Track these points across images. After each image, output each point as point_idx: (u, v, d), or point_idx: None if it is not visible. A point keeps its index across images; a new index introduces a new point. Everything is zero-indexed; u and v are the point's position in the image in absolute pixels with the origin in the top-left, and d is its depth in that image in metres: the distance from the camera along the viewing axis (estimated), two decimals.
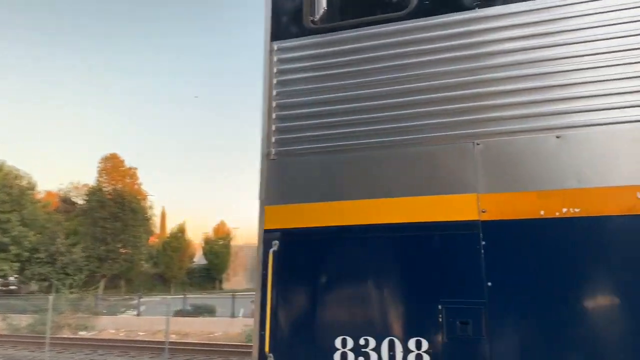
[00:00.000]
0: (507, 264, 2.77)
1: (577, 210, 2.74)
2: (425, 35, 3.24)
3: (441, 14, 3.25)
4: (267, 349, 3.01)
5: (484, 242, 2.82)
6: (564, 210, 2.76)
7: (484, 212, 2.87)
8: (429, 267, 2.89)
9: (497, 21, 3.13)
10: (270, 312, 3.06)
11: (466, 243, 2.85)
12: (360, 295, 2.98)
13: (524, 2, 3.08)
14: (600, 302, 2.61)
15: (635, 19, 2.85)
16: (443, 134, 3.07)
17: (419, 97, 3.17)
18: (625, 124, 2.77)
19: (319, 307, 3.04)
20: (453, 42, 3.17)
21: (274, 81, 3.56)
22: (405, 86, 3.21)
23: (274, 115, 3.50)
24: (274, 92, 3.55)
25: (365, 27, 3.40)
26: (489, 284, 2.77)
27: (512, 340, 2.67)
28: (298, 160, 3.36)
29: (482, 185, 2.92)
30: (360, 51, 3.37)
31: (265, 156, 3.45)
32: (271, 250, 3.17)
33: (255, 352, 3.06)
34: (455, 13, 3.22)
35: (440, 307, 2.81)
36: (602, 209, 2.70)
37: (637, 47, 2.81)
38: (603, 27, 2.89)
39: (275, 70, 3.58)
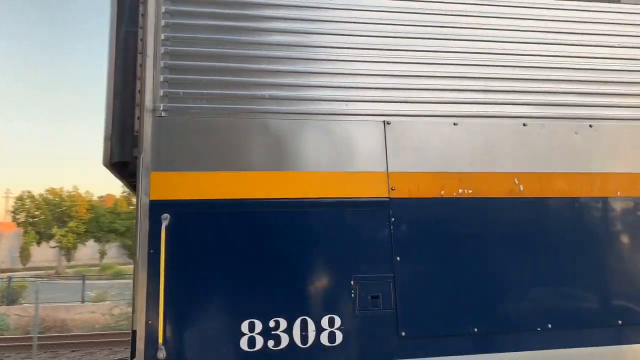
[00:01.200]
0: (413, 240, 2.92)
1: (470, 191, 3.04)
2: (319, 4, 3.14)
3: None
4: (160, 340, 2.54)
5: (393, 219, 2.92)
6: (460, 191, 3.04)
7: (393, 189, 2.96)
8: (342, 244, 2.85)
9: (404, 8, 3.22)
10: (164, 297, 2.58)
11: (377, 219, 2.90)
12: (269, 275, 2.75)
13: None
14: (489, 270, 2.97)
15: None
16: (356, 109, 3.04)
17: (327, 67, 3.07)
18: (507, 119, 3.19)
19: (223, 289, 2.70)
20: (358, 18, 3.15)
21: (162, 22, 2.99)
22: (311, 54, 3.06)
23: (162, 64, 2.93)
24: (162, 36, 2.97)
25: None
26: (398, 258, 2.87)
27: (419, 310, 2.84)
28: (195, 120, 2.89)
29: (392, 163, 3.00)
30: (260, 5, 3.08)
31: (151, 112, 2.88)
32: (163, 226, 2.67)
33: (141, 345, 2.55)
34: None
35: (352, 282, 2.80)
36: (489, 191, 3.07)
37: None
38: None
39: (163, 9, 3.00)
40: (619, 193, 3.20)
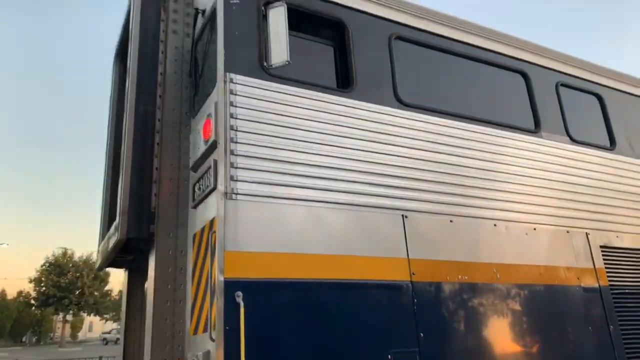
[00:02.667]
0: (434, 318, 3.51)
1: (466, 277, 3.78)
2: (363, 114, 3.83)
3: (373, 102, 3.92)
4: None
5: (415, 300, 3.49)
6: (459, 277, 3.76)
7: (414, 274, 3.56)
8: (375, 321, 3.30)
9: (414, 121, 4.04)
10: None
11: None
12: (324, 348, 3.06)
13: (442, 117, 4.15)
14: (496, 341, 3.66)
15: None
16: (379, 202, 3.64)
17: (360, 165, 3.66)
18: (488, 220, 4.08)
19: None
20: (379, 126, 3.87)
21: (231, 111, 3.31)
22: (346, 152, 3.65)
23: (233, 150, 3.22)
24: (232, 123, 3.28)
25: (316, 89, 3.69)
26: (421, 334, 3.41)
27: None
28: (262, 204, 3.19)
29: (411, 251, 3.62)
30: (310, 109, 3.62)
31: (223, 194, 3.10)
32: (241, 305, 2.84)
33: None
34: (383, 107, 3.95)
35: (389, 356, 3.24)
36: (476, 278, 3.84)
37: None
38: None
39: (232, 100, 3.34)
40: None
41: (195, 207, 3.64)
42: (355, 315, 3.25)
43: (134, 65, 4.02)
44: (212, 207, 3.27)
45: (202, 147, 3.47)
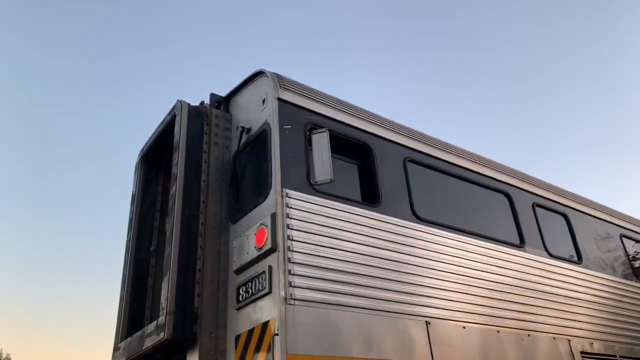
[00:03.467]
0: None
1: None
2: (389, 227, 4.36)
3: (396, 216, 4.48)
4: None
5: None
6: None
7: None
8: None
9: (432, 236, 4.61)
10: None
11: None
12: None
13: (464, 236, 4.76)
14: None
15: None
16: (405, 309, 4.06)
17: (391, 274, 4.12)
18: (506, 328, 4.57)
19: None
20: (402, 238, 4.40)
21: (287, 222, 3.73)
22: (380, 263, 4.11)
23: (292, 257, 3.60)
24: (288, 233, 3.69)
25: (352, 204, 4.21)
26: None
27: None
28: (319, 309, 3.53)
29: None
30: (348, 221, 4.11)
31: (283, 299, 3.43)
32: None
33: None
34: (406, 221, 4.52)
35: None
36: None
37: None
38: None
39: (287, 212, 3.77)
40: None
41: (239, 309, 3.90)
42: None
43: (181, 173, 4.41)
44: (265, 310, 3.56)
45: (254, 253, 3.83)
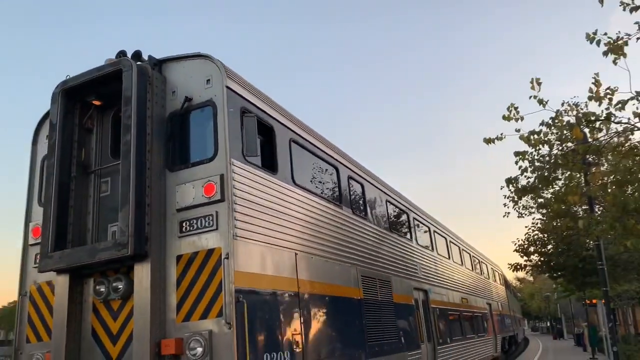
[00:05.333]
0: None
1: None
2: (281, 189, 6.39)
3: (285, 182, 6.51)
4: None
5: None
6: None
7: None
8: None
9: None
10: None
11: None
12: None
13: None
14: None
15: None
16: (285, 245, 6.24)
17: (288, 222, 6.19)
18: None
19: None
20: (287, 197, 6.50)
21: (233, 183, 5.39)
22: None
23: (235, 208, 5.33)
24: (234, 191, 5.37)
25: (266, 172, 6.07)
26: None
27: None
28: (251, 244, 5.39)
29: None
30: (263, 184, 5.99)
31: (231, 235, 5.19)
32: (244, 303, 5.03)
33: None
34: (289, 185, 6.59)
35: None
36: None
37: None
38: None
39: (233, 176, 5.43)
40: None
41: (181, 237, 5.45)
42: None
43: (134, 125, 5.50)
44: (210, 241, 5.27)
45: (201, 200, 5.40)
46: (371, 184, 9.94)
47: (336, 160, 8.47)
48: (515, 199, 10.91)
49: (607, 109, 6.90)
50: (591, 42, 6.41)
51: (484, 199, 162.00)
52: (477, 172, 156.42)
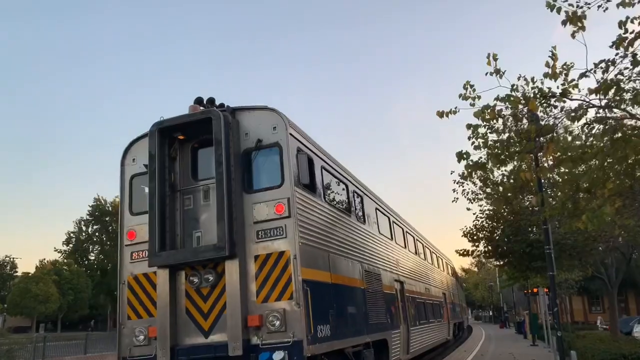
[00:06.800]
0: None
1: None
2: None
3: (325, 201, 8.81)
4: None
5: None
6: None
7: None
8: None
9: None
10: None
11: None
12: None
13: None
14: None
15: None
16: (341, 253, 8.55)
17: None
18: None
19: None
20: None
21: (296, 204, 7.65)
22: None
23: (298, 222, 7.61)
24: (297, 211, 7.62)
25: (316, 196, 8.35)
26: None
27: None
28: (312, 248, 7.69)
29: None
30: (315, 205, 8.28)
31: (298, 241, 7.48)
32: (308, 290, 7.34)
33: None
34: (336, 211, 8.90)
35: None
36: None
37: None
38: None
39: (295, 198, 7.70)
40: None
41: (257, 242, 7.65)
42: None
43: (226, 159, 7.63)
44: (282, 244, 7.50)
45: (273, 215, 7.62)
46: (367, 195, 12.38)
47: (345, 178, 10.83)
48: (466, 174, 10.51)
49: (562, 84, 6.98)
50: (551, 10, 6.38)
51: (435, 189, 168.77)
52: (431, 164, 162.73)
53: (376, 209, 13.21)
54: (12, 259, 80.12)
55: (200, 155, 8.62)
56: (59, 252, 79.29)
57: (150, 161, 8.11)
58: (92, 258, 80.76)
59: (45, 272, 70.70)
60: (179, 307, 7.87)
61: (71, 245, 79.10)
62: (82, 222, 78.99)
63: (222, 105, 8.42)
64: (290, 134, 8.04)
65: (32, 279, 68.84)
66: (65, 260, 76.73)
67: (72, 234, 79.16)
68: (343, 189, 10.63)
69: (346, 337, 8.78)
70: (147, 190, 8.20)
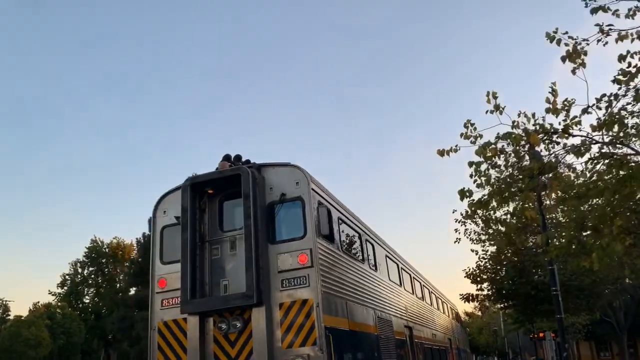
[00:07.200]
0: None
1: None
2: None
3: (340, 251, 9.54)
4: None
5: None
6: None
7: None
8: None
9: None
10: None
11: None
12: None
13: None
14: None
15: None
16: (358, 301, 9.22)
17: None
18: None
19: None
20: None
21: (318, 254, 8.38)
22: None
23: (319, 271, 8.32)
24: (320, 261, 8.35)
25: (334, 246, 9.08)
26: None
27: None
28: (333, 296, 8.37)
29: None
30: (334, 254, 9.00)
31: (320, 290, 8.17)
32: (330, 336, 7.98)
33: None
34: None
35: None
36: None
37: None
38: None
39: (318, 249, 8.44)
40: None
41: (282, 290, 8.33)
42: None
43: (254, 212, 8.41)
44: (304, 293, 8.18)
45: (297, 265, 8.33)
46: (378, 243, 13.12)
47: (359, 227, 11.59)
48: (469, 213, 10.60)
49: (564, 120, 7.02)
50: (551, 41, 6.43)
51: (438, 232, 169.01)
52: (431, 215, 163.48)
53: (386, 256, 13.91)
54: (4, 302, 79.44)
55: (226, 207, 9.41)
56: (53, 294, 78.80)
57: (183, 213, 8.88)
58: (87, 301, 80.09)
59: (38, 316, 70.17)
60: (208, 352, 8.47)
61: (66, 287, 78.61)
62: (78, 264, 78.73)
63: (247, 161, 9.28)
64: (312, 189, 8.86)
65: (24, 323, 68.22)
66: (59, 304, 76.16)
67: (67, 276, 78.80)
68: (357, 238, 11.37)
69: None
70: (175, 240, 8.96)
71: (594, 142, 7.11)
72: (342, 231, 10.28)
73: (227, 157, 9.30)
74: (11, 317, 76.84)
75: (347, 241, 10.64)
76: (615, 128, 6.89)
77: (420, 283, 19.57)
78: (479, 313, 74.31)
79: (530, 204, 8.08)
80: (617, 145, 7.38)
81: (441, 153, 7.35)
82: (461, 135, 7.29)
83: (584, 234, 8.06)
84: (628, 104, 7.09)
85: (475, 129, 7.26)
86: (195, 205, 9.03)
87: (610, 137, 7.17)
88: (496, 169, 7.95)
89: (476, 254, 22.25)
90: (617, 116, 6.85)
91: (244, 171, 8.74)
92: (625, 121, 7.03)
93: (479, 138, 7.18)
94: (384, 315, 12.07)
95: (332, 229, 9.49)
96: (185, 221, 8.81)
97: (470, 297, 23.42)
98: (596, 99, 6.85)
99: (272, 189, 9.02)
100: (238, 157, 9.33)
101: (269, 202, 8.97)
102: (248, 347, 8.25)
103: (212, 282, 8.89)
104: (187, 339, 8.52)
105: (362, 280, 10.80)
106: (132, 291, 73.91)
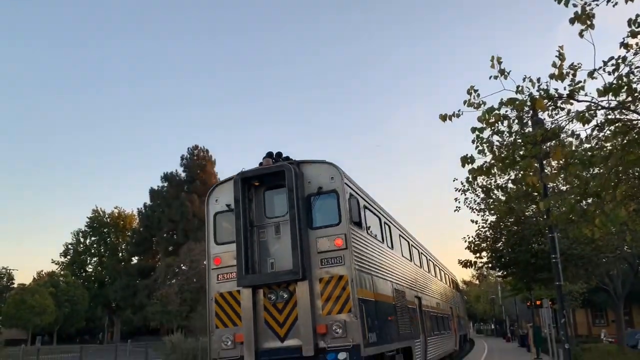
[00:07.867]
0: None
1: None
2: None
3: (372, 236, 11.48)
4: None
5: None
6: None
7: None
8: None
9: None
10: None
11: None
12: None
13: None
14: None
15: None
16: (387, 278, 11.20)
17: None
18: None
19: None
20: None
21: (351, 238, 10.32)
22: None
23: (353, 252, 10.29)
24: (353, 244, 10.28)
25: (365, 231, 11.01)
26: None
27: None
28: (363, 273, 10.36)
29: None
30: (364, 239, 10.95)
31: (354, 268, 10.16)
32: (363, 306, 9.99)
33: None
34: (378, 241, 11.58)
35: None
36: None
37: None
38: None
39: (351, 234, 10.37)
40: None
41: (321, 268, 10.28)
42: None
43: (298, 203, 10.28)
44: (341, 270, 10.13)
45: (334, 247, 10.26)
46: (393, 224, 15.09)
47: (378, 212, 13.52)
48: (470, 179, 11.09)
49: (570, 85, 7.01)
50: (559, 2, 6.42)
51: (436, 198, 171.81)
52: (432, 179, 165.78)
53: (399, 235, 15.90)
54: (8, 271, 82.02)
55: (267, 197, 11.28)
56: (56, 263, 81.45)
57: (236, 204, 10.77)
58: (90, 270, 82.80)
59: (42, 284, 72.79)
60: (259, 318, 10.47)
61: (69, 257, 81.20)
62: (80, 234, 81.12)
63: (287, 158, 11.12)
64: (345, 183, 10.73)
65: (28, 291, 70.78)
66: (62, 272, 78.81)
67: (69, 246, 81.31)
68: (377, 221, 13.32)
69: (385, 343, 11.43)
70: (224, 224, 10.91)
71: (599, 107, 7.03)
72: (367, 217, 12.20)
73: (269, 154, 11.12)
74: (15, 286, 79.58)
75: (371, 225, 12.57)
76: (623, 92, 6.78)
77: (427, 257, 21.70)
78: (477, 282, 77.11)
79: (532, 172, 8.01)
80: (623, 111, 7.30)
81: (443, 118, 7.37)
82: (464, 102, 7.31)
83: (586, 201, 8.31)
84: (636, 67, 6.98)
85: (478, 95, 7.28)
86: (245, 196, 10.90)
87: (617, 102, 7.05)
88: (499, 136, 7.97)
89: (476, 224, 22.86)
90: (625, 79, 6.72)
91: (287, 167, 10.58)
92: (634, 85, 6.86)
93: (482, 105, 7.19)
94: (399, 287, 14.12)
95: (360, 216, 11.40)
96: (239, 210, 10.70)
97: (469, 263, 23.43)
98: (603, 61, 6.72)
99: (310, 183, 10.86)
100: (279, 154, 11.16)
101: (307, 194, 10.83)
102: (293, 314, 10.24)
103: (261, 260, 10.82)
104: (241, 308, 10.52)
105: (382, 257, 12.79)
106: (135, 260, 76.62)
